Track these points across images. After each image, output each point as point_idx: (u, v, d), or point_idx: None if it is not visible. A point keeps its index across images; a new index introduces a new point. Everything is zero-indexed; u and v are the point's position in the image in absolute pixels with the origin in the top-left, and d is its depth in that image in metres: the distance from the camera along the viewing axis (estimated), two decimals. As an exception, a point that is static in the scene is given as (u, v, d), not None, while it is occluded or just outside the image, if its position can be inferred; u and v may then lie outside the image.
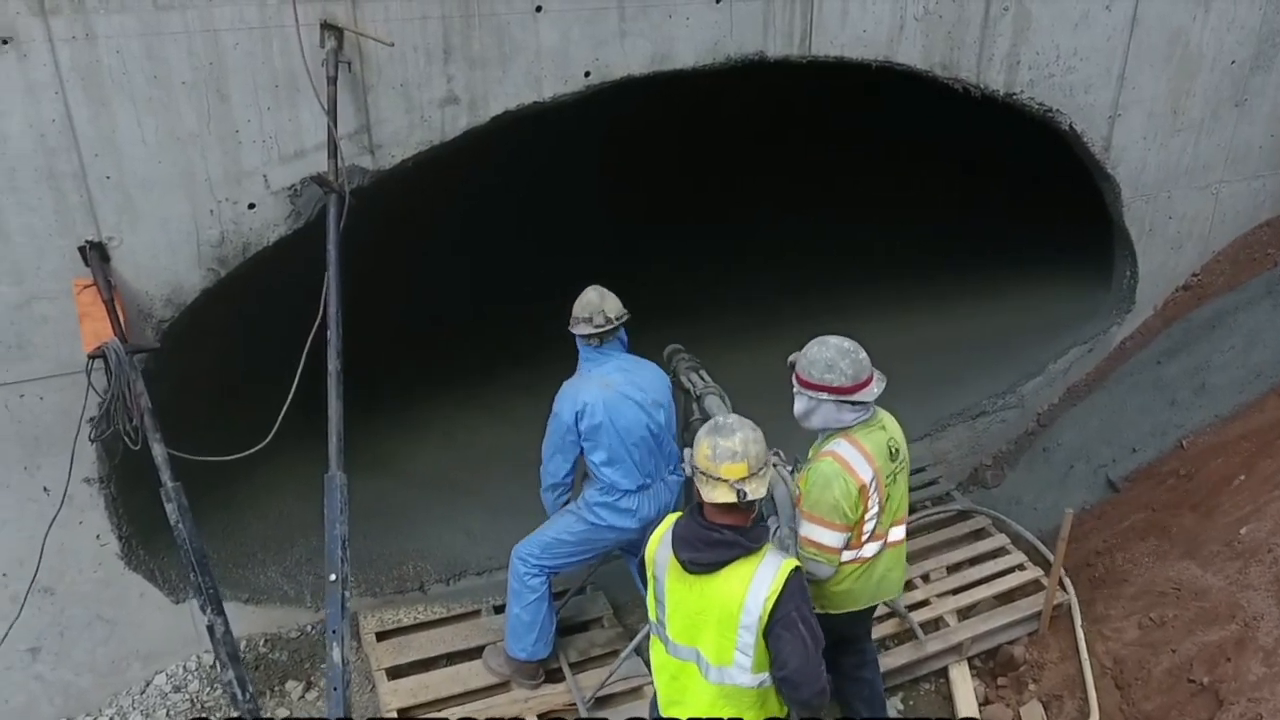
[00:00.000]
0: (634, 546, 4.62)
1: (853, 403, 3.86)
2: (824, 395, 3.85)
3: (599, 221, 8.38)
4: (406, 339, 6.61)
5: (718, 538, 3.28)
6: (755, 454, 3.28)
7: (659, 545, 3.48)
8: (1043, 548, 5.72)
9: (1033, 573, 5.49)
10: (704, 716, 3.42)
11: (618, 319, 4.46)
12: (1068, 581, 5.38)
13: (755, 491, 3.26)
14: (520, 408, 6.33)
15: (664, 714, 3.57)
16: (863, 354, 3.88)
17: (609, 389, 4.41)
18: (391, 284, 6.65)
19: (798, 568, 3.33)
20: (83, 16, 3.76)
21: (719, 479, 3.25)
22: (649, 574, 3.55)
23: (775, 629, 3.23)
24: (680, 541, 3.35)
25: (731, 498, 3.23)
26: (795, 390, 3.96)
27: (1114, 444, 6.19)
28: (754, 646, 3.27)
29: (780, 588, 3.22)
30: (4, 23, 3.68)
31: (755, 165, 9.33)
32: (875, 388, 3.90)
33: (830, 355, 3.85)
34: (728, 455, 3.25)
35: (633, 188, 8.86)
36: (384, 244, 4.91)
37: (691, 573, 3.32)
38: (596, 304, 4.44)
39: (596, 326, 4.42)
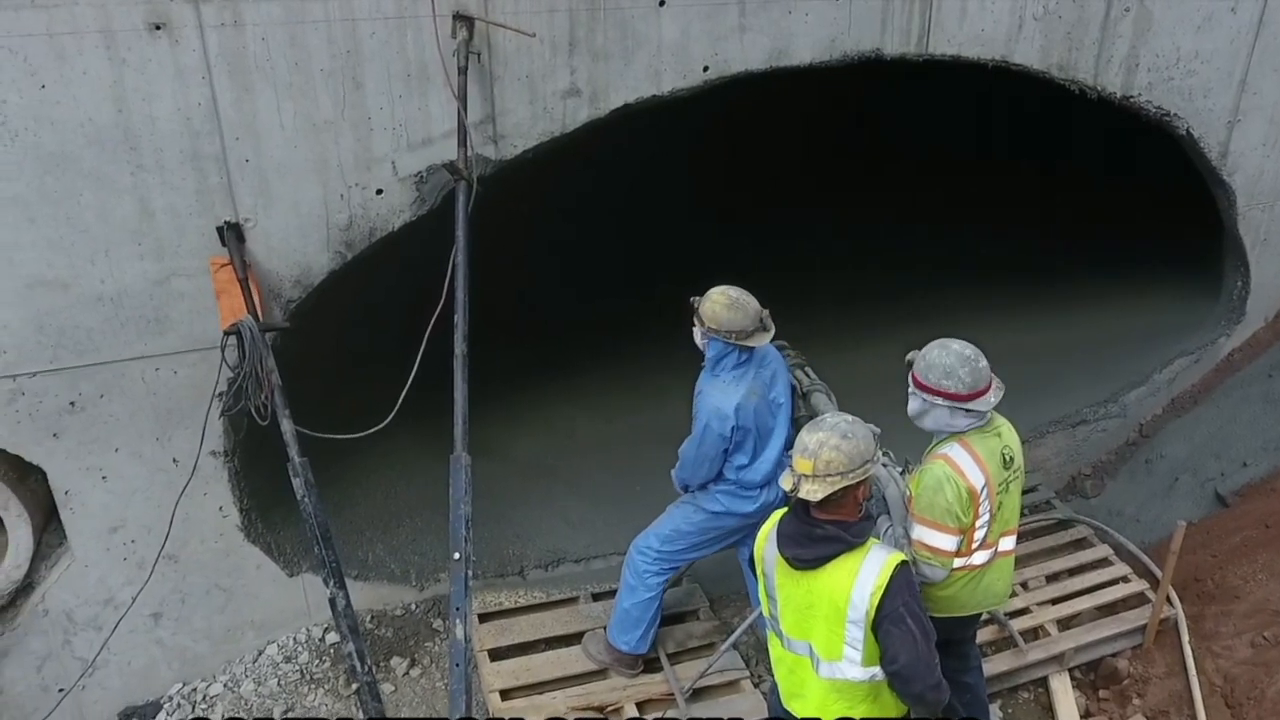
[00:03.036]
0: (748, 536, 4.62)
1: (966, 410, 3.82)
2: (939, 400, 3.79)
3: (698, 218, 8.42)
4: (510, 330, 6.69)
5: (820, 533, 3.28)
6: (827, 459, 3.22)
7: (766, 543, 3.50)
8: (1147, 560, 5.60)
9: (1137, 585, 5.37)
10: (819, 710, 3.43)
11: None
12: (1174, 596, 5.26)
13: (809, 493, 3.21)
14: (617, 402, 6.41)
15: (786, 705, 3.59)
16: (983, 362, 3.81)
17: (755, 397, 4.32)
18: (496, 276, 6.75)
19: (904, 562, 3.31)
20: (232, 4, 3.90)
21: (791, 468, 3.29)
22: (759, 570, 3.57)
23: (884, 624, 3.22)
24: (784, 538, 3.38)
25: (787, 485, 3.24)
26: (910, 390, 3.91)
27: (1223, 457, 6.05)
28: (863, 641, 3.28)
29: (886, 582, 3.22)
30: (158, 9, 3.83)
31: (864, 168, 9.30)
32: (992, 396, 3.82)
33: (950, 362, 3.78)
34: (800, 449, 3.28)
35: (736, 185, 8.89)
36: (488, 236, 5.00)
37: (797, 569, 3.33)
38: (755, 315, 4.23)
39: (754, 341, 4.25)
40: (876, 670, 3.33)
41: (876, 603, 3.21)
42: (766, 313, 4.29)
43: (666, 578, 4.68)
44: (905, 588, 3.25)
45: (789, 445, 4.36)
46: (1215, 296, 6.80)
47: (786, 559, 3.35)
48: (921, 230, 8.39)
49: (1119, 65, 5.57)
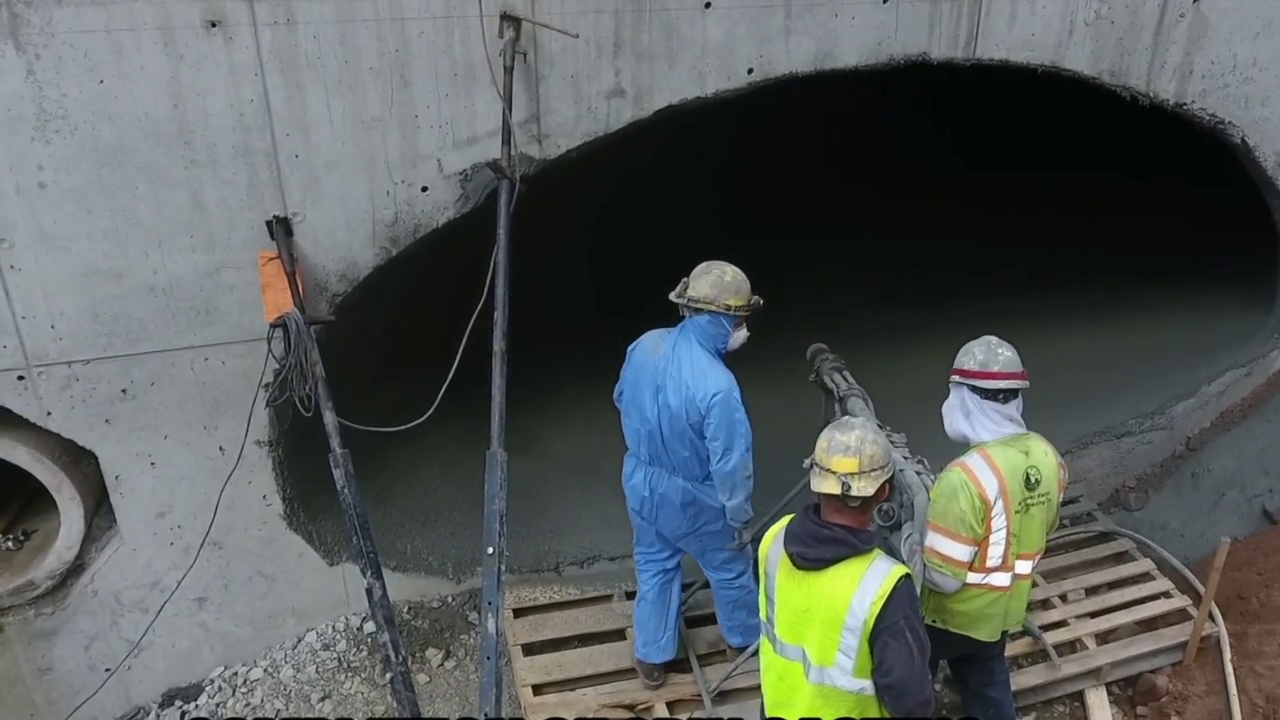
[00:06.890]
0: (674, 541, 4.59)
1: (982, 391, 3.85)
2: (955, 378, 3.92)
3: (738, 218, 8.41)
4: (552, 329, 6.73)
5: (828, 534, 3.30)
6: (869, 453, 3.29)
7: (772, 542, 3.50)
8: (1190, 576, 5.50)
9: (1179, 601, 5.29)
10: (804, 717, 3.41)
11: (690, 300, 4.16)
12: (1217, 613, 5.17)
13: (861, 489, 3.26)
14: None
15: (770, 714, 3.58)
16: (1005, 351, 3.88)
17: (653, 356, 4.30)
18: (538, 274, 6.80)
19: (907, 575, 3.28)
20: (285, 2, 3.98)
21: (828, 470, 3.29)
22: (761, 570, 3.57)
23: (882, 635, 3.20)
24: (792, 536, 3.39)
25: (836, 489, 3.26)
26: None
27: (1272, 473, 5.93)
28: (857, 650, 3.25)
29: (888, 593, 3.19)
30: (214, 7, 3.92)
31: (902, 175, 9.24)
32: (1006, 383, 3.85)
33: (971, 344, 3.94)
34: (840, 449, 3.29)
35: (773, 188, 8.87)
36: (530, 235, 5.05)
37: (800, 568, 3.33)
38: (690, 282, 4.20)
39: (676, 296, 4.22)
40: (866, 684, 3.30)
41: (876, 613, 3.19)
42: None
43: (649, 573, 4.67)
44: (907, 601, 3.23)
45: (653, 443, 4.36)
46: (1268, 309, 6.66)
47: (792, 556, 3.35)
48: (968, 239, 8.31)
49: (1172, 72, 5.48)
